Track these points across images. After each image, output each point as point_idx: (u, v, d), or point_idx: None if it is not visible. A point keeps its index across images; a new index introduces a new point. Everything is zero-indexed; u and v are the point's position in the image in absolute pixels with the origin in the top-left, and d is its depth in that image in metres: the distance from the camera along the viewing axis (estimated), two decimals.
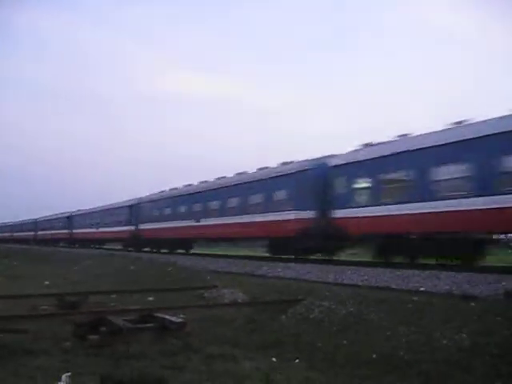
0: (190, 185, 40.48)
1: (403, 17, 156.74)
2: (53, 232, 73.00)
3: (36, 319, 11.94)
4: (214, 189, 33.80)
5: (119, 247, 53.77)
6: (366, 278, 16.54)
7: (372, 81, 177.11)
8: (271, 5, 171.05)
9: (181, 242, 39.41)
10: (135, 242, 46.73)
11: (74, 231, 65.25)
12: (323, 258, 25.94)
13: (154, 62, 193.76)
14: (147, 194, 48.63)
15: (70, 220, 67.63)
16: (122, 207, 51.08)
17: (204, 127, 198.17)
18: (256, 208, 28.53)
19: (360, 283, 15.87)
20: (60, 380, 7.40)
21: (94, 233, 57.30)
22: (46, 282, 21.33)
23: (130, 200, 49.57)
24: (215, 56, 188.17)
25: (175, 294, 16.47)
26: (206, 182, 37.52)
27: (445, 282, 14.33)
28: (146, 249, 45.83)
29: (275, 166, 29.48)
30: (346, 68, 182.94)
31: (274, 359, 9.31)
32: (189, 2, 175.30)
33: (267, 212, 27.30)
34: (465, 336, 9.29)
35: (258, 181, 29.29)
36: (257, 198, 28.72)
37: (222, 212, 31.68)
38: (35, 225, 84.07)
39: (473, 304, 11.05)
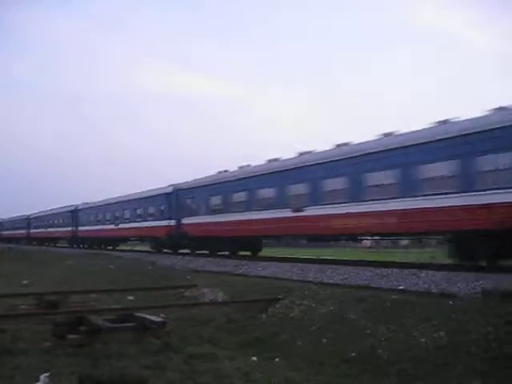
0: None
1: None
2: (50, 230, 64.59)
3: (15, 319, 11.83)
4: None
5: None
6: (346, 276, 16.59)
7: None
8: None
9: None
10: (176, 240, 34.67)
11: (81, 229, 54.12)
12: (304, 257, 26.49)
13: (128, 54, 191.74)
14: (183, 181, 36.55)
15: (75, 215, 56.46)
16: (156, 196, 38.33)
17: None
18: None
19: (340, 282, 15.92)
20: (39, 380, 7.37)
21: (112, 230, 45.63)
22: (25, 282, 21.16)
23: (165, 187, 37.55)
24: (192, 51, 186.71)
25: (155, 294, 16.42)
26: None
27: (424, 280, 14.42)
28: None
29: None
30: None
31: (254, 358, 9.34)
32: None
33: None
34: (443, 334, 9.38)
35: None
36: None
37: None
38: (28, 222, 75.91)
39: (451, 302, 11.15)
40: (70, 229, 56.82)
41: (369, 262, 20.94)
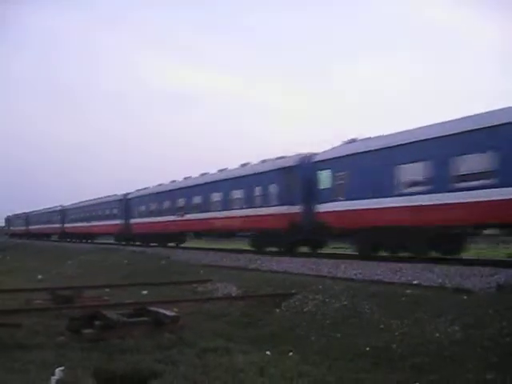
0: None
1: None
2: (93, 224, 53.40)
3: (30, 313, 11.93)
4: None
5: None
6: (360, 271, 16.54)
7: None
8: None
9: None
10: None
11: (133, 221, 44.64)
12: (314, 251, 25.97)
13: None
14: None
15: (126, 203, 46.60)
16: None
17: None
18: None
19: (353, 277, 15.87)
20: (53, 374, 7.41)
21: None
22: (40, 276, 21.31)
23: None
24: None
25: (169, 288, 16.49)
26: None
27: (438, 275, 14.36)
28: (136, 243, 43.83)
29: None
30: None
31: (268, 352, 9.33)
32: None
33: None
34: (457, 329, 9.35)
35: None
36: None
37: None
38: (62, 215, 65.46)
39: (465, 297, 11.10)
40: (118, 222, 46.15)
41: (382, 256, 20.81)
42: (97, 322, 10.09)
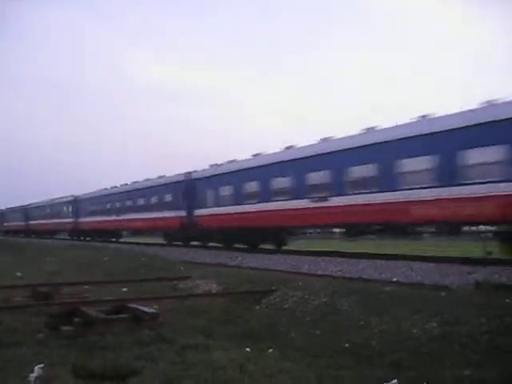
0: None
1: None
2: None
3: (8, 310, 11.83)
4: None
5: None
6: (340, 268, 16.67)
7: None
8: None
9: None
10: None
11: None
12: (297, 249, 26.64)
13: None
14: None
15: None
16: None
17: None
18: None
19: (333, 274, 15.97)
20: (32, 372, 7.36)
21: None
22: (19, 274, 21.12)
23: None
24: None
25: (149, 285, 16.44)
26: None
27: (417, 272, 14.50)
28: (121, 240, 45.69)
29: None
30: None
31: (247, 349, 9.34)
32: None
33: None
34: (435, 325, 9.44)
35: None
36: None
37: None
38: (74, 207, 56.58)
39: (443, 294, 11.20)
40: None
41: (363, 254, 20.98)
42: (76, 319, 10.04)
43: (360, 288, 12.45)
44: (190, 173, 35.20)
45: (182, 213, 33.96)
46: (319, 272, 16.51)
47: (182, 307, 12.96)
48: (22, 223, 74.65)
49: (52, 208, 63.24)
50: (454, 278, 13.30)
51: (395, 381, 7.41)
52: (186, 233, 34.06)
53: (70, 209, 56.70)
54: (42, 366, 7.55)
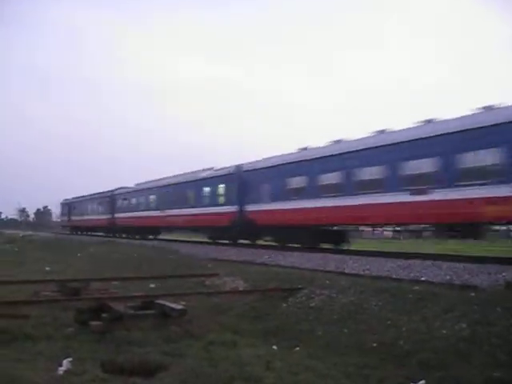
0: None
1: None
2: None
3: (38, 305, 11.98)
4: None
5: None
6: (368, 267, 16.52)
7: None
8: None
9: None
10: None
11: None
12: (325, 247, 25.93)
13: None
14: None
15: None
16: None
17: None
18: None
19: (361, 272, 15.85)
20: (61, 365, 7.46)
21: None
22: (47, 268, 21.40)
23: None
24: None
25: (177, 282, 16.50)
26: None
27: (446, 271, 14.32)
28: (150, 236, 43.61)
29: None
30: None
31: (274, 347, 9.35)
32: None
33: None
34: (464, 326, 9.31)
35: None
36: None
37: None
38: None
39: (473, 294, 11.05)
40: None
41: (389, 252, 20.79)
42: (104, 315, 10.13)
43: (388, 287, 12.33)
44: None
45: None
46: (347, 270, 16.40)
47: (209, 304, 13.01)
48: (105, 217, 51.31)
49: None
50: (484, 277, 13.11)
51: (423, 381, 7.35)
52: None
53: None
54: (70, 359, 7.66)
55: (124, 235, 48.38)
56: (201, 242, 33.25)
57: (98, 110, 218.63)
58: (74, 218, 64.27)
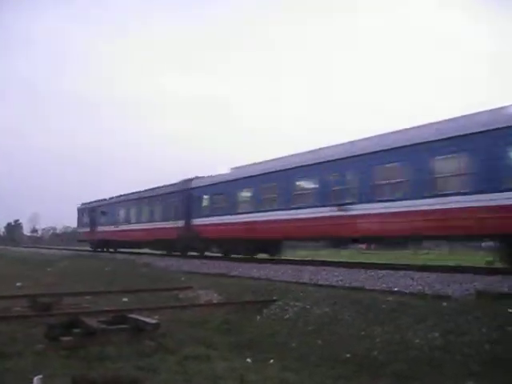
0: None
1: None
2: None
3: (8, 321, 11.79)
4: None
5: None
6: (341, 278, 16.58)
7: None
8: None
9: None
10: None
11: None
12: (299, 258, 26.46)
13: None
14: None
15: None
16: None
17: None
18: None
19: (334, 284, 15.90)
20: (32, 382, 7.32)
21: None
22: (18, 284, 21.07)
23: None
24: None
25: (150, 295, 16.39)
26: None
27: (418, 282, 14.44)
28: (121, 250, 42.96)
29: None
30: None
31: (248, 360, 9.31)
32: None
33: None
34: (437, 335, 9.40)
35: None
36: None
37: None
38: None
39: (445, 304, 11.15)
40: None
41: (363, 263, 20.90)
42: (76, 330, 9.99)
43: (361, 298, 12.40)
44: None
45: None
46: (320, 282, 16.44)
47: (183, 317, 12.92)
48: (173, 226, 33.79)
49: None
50: (455, 287, 13.24)
51: None
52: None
53: None
54: (40, 376, 7.52)
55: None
56: (173, 255, 33.06)
57: (82, 122, 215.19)
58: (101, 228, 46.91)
